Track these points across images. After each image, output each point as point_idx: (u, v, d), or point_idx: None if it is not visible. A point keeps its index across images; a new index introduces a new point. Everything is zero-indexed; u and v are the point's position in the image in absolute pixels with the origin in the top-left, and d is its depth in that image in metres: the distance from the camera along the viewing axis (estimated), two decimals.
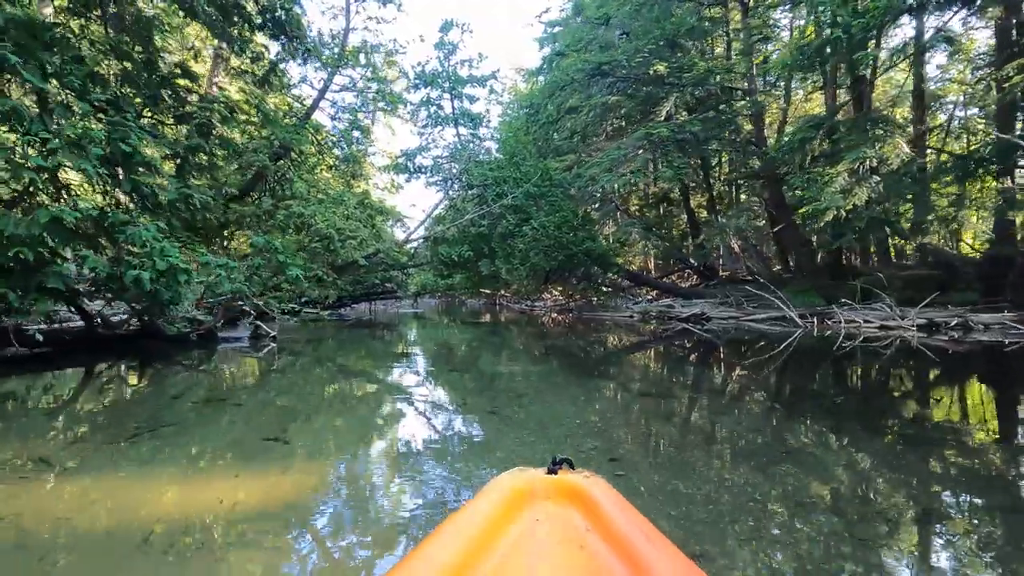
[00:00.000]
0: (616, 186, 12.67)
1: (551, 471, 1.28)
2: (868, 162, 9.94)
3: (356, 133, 14.72)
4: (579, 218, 17.10)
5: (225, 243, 15.81)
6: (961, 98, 19.88)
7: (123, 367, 5.81)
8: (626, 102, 14.22)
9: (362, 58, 14.64)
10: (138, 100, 6.69)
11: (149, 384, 4.93)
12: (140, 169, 5.54)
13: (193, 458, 2.68)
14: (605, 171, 12.83)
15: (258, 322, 8.20)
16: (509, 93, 31.49)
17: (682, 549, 1.06)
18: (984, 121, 19.25)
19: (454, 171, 17.50)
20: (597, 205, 23.17)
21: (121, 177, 5.59)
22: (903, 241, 13.94)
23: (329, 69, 14.04)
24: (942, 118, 19.72)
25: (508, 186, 17.32)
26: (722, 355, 7.64)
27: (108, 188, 5.67)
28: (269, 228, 13.53)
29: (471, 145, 18.58)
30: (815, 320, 10.66)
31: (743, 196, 23.08)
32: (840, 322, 10.31)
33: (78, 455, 2.65)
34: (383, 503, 2.12)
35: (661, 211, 24.20)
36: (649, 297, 20.10)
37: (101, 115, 5.53)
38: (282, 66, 14.37)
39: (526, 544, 1.05)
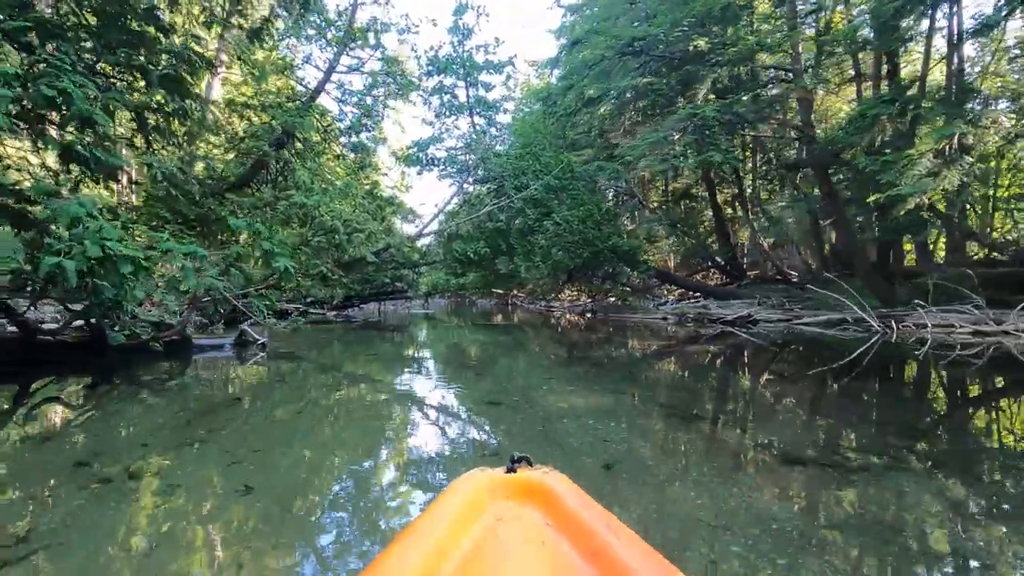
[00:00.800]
0: (654, 172, 11.08)
1: (510, 469, 1.22)
2: (956, 141, 8.36)
3: (365, 120, 13.22)
4: (603, 213, 15.56)
5: (226, 238, 14.35)
6: (989, 92, 18.35)
7: (60, 387, 4.34)
8: (657, 83, 12.65)
9: (371, 37, 13.15)
10: (89, 48, 5.21)
11: (72, 420, 3.44)
12: (77, 125, 4.05)
13: None
14: (640, 156, 11.27)
15: (244, 326, 6.68)
16: (521, 89, 30.02)
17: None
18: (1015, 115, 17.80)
19: (469, 162, 16.00)
20: (614, 198, 21.65)
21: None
22: (964, 236, 12.32)
23: (335, 47, 12.57)
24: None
25: (528, 178, 15.80)
26: (804, 366, 6.10)
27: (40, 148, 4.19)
28: (270, 220, 12.08)
29: (487, 136, 17.09)
30: (893, 324, 9.06)
31: (765, 192, 21.53)
32: (926, 325, 8.72)
33: None
34: None
35: (682, 208, 22.63)
36: (672, 298, 18.55)
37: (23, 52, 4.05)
38: (284, 43, 12.92)
39: (488, 544, 1.00)
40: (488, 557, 0.96)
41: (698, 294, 17.29)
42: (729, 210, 21.54)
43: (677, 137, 11.42)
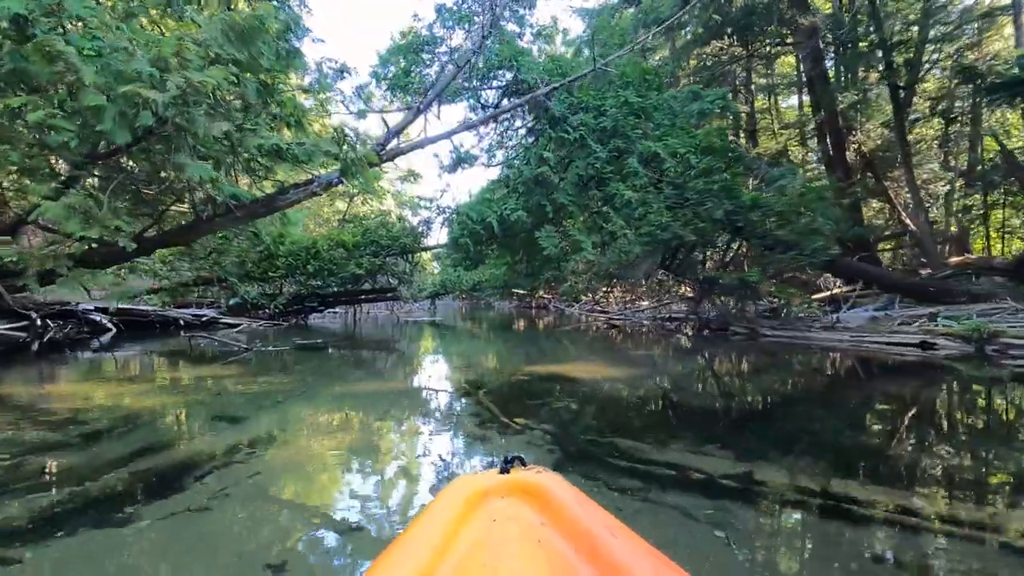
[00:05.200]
0: None
1: (504, 470, 1.12)
2: None
3: None
4: (725, 146, 7.93)
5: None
6: None
7: None
8: None
9: None
10: None
11: None
12: None
13: None
14: None
15: None
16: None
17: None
18: None
19: (486, 67, 8.43)
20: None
21: None
22: None
23: None
24: None
25: (588, 92, 8.27)
26: None
27: None
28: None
29: (514, 35, 9.50)
30: None
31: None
32: None
33: None
34: None
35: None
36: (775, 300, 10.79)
37: None
38: None
39: (483, 545, 0.91)
40: (484, 558, 0.87)
41: (863, 288, 9.59)
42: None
43: None
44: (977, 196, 13.91)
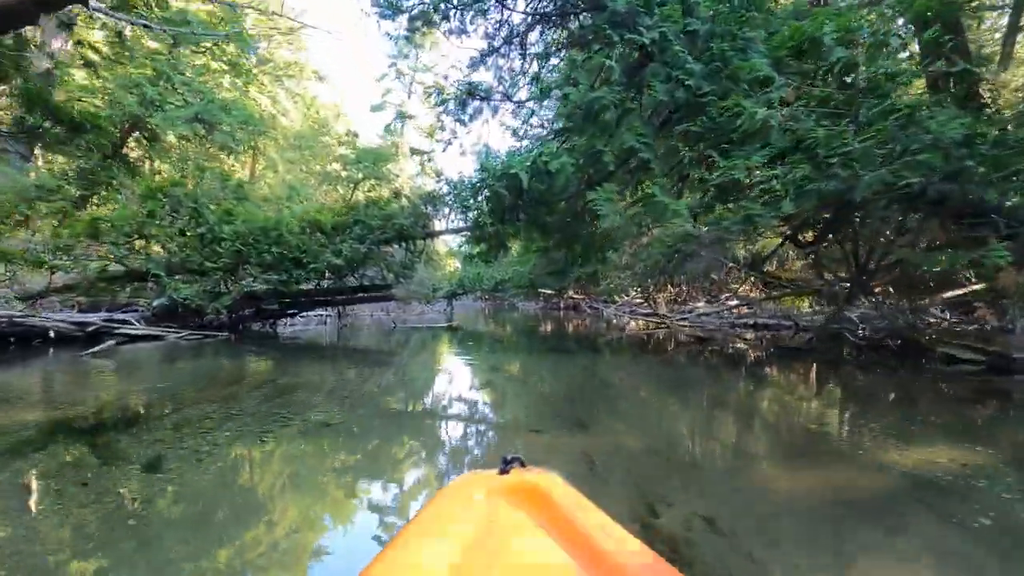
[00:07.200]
0: None
1: (503, 471, 1.07)
2: None
3: None
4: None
5: None
6: None
7: None
8: None
9: None
10: None
11: None
12: None
13: None
14: None
15: None
16: None
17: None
18: None
19: None
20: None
21: None
22: None
23: None
24: None
25: None
26: None
27: None
28: None
29: None
30: None
31: None
32: None
33: None
34: None
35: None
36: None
37: None
38: None
39: (482, 548, 0.84)
40: (482, 560, 0.81)
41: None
42: None
43: None
44: None
